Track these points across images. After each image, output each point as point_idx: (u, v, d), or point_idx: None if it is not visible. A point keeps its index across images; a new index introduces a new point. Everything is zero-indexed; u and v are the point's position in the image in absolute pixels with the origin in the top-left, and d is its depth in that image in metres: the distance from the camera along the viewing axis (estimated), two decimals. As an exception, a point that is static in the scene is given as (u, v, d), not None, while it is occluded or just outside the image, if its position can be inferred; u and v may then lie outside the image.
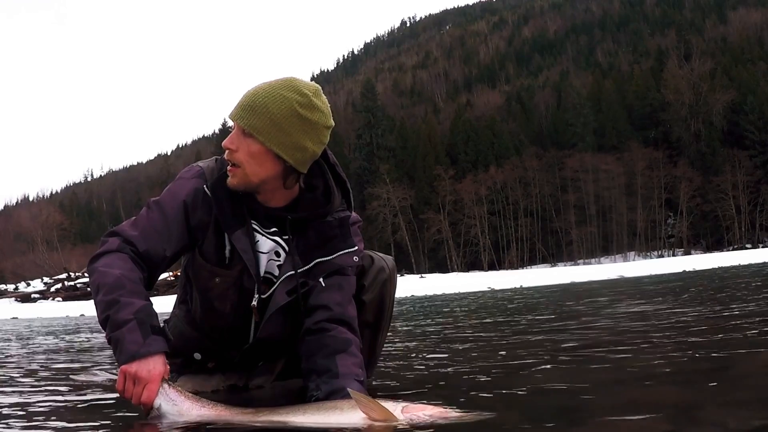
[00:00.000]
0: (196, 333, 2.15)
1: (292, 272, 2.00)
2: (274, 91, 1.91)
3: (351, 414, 1.62)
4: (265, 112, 1.89)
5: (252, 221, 2.01)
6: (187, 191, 2.00)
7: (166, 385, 1.78)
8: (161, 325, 1.83)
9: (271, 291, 2.02)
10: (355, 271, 2.12)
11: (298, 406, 1.73)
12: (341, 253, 2.05)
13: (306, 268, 2.02)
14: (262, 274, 2.02)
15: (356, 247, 2.09)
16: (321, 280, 2.02)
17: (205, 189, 1.99)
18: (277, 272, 2.03)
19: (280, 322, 2.04)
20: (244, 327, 2.08)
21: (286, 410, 1.71)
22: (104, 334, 1.82)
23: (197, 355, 2.19)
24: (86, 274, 2.01)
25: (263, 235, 2.02)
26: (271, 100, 1.90)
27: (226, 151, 1.95)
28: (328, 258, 2.03)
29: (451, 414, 1.62)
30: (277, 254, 2.03)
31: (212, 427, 1.66)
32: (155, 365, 1.75)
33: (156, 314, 1.83)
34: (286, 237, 2.02)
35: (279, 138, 1.90)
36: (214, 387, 2.23)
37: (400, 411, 1.62)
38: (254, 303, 2.02)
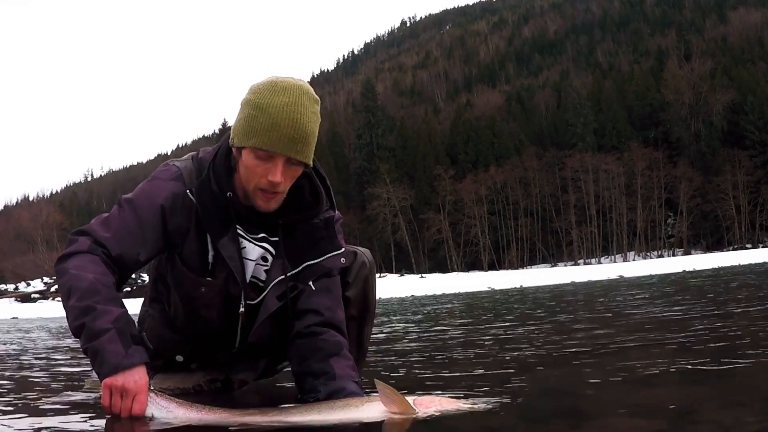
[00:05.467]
0: (176, 336, 2.08)
1: (283, 277, 1.98)
2: (307, 110, 1.85)
3: (368, 409, 1.65)
4: (313, 137, 1.88)
5: (238, 227, 1.96)
6: (165, 195, 1.92)
7: (152, 394, 1.74)
8: (141, 333, 1.79)
9: (261, 297, 1.99)
10: (340, 270, 2.10)
11: (309, 405, 1.74)
12: (330, 255, 2.02)
13: (295, 271, 2.00)
14: (248, 279, 1.99)
15: (343, 249, 2.07)
16: (311, 283, 2.00)
17: (189, 194, 1.92)
18: (263, 276, 2.00)
19: (269, 327, 2.02)
20: (230, 332, 2.05)
21: (296, 409, 1.72)
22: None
23: (179, 357, 2.13)
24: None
25: (250, 241, 1.98)
26: (314, 123, 1.87)
27: (267, 182, 1.85)
28: (317, 261, 2.01)
29: (462, 405, 1.67)
30: (264, 259, 2.00)
31: (217, 430, 1.65)
32: (141, 375, 1.70)
33: (133, 322, 1.77)
34: (274, 239, 1.99)
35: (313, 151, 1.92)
36: (195, 383, 2.17)
37: (412, 404, 1.65)
38: (242, 309, 1.99)
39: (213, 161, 1.96)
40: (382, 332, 5.62)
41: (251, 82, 1.94)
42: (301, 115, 1.82)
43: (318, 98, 1.90)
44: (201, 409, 1.74)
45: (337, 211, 2.10)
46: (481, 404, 1.69)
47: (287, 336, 2.02)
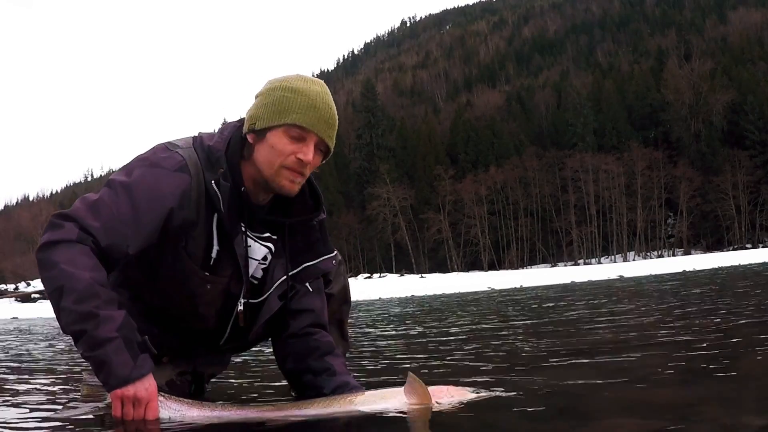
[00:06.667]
0: (154, 328, 1.98)
1: (285, 277, 2.00)
2: (330, 96, 1.92)
3: (387, 401, 1.75)
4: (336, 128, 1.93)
5: (243, 224, 1.93)
6: (173, 193, 1.79)
7: (162, 398, 1.73)
8: (143, 337, 1.71)
9: (265, 296, 1.99)
10: None
11: (329, 399, 1.80)
12: (325, 258, 2.06)
13: (296, 271, 2.02)
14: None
15: (335, 252, 2.11)
16: (307, 284, 2.04)
17: (213, 185, 1.83)
18: (259, 274, 2.00)
19: (265, 324, 2.04)
20: (221, 328, 2.04)
21: (318, 403, 1.77)
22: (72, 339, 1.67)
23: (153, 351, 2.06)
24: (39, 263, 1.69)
25: (256, 240, 1.97)
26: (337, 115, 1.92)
27: (295, 160, 1.85)
28: (314, 263, 2.04)
29: (469, 394, 1.83)
30: (264, 258, 2.00)
31: (230, 427, 1.67)
32: (150, 382, 1.68)
33: (135, 325, 1.70)
34: (274, 238, 2.00)
35: None
36: (167, 378, 2.09)
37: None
38: (240, 308, 1.97)
39: (227, 152, 1.89)
40: (387, 331, 5.62)
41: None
42: (333, 103, 1.91)
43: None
44: (215, 408, 1.76)
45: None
46: (485, 395, 1.83)
47: (278, 334, 2.05)
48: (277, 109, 1.84)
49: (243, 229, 1.92)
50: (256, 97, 1.92)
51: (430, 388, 1.77)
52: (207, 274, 1.90)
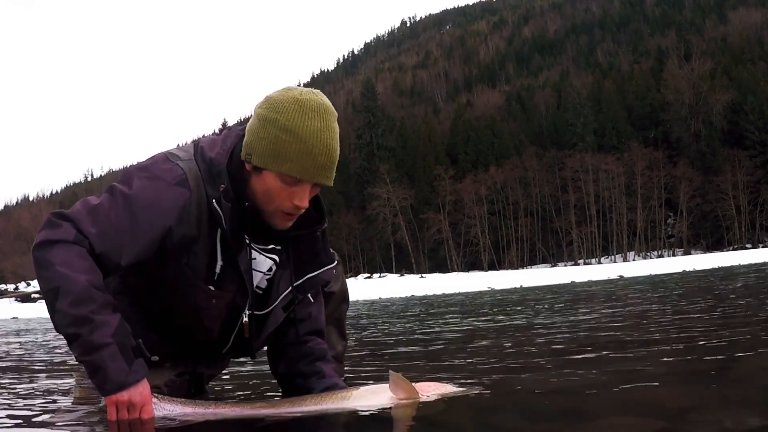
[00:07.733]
0: (156, 336, 1.97)
1: (290, 289, 2.00)
2: (336, 134, 1.81)
3: (378, 397, 1.80)
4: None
5: (247, 237, 1.90)
6: (173, 209, 1.76)
7: (156, 400, 1.74)
8: (137, 341, 1.71)
9: (271, 308, 1.99)
10: None
11: (321, 396, 1.83)
12: (327, 268, 2.07)
13: (299, 282, 2.02)
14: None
15: (336, 261, 2.12)
16: (309, 294, 2.06)
17: (214, 204, 1.80)
18: (264, 285, 2.00)
19: (270, 335, 2.06)
20: (225, 339, 2.04)
21: (310, 400, 1.80)
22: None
23: (154, 358, 1.96)
24: (36, 262, 1.69)
25: (260, 253, 1.95)
26: (338, 145, 1.83)
27: (292, 206, 1.80)
28: (317, 273, 2.04)
29: (455, 389, 1.89)
30: (269, 270, 2.00)
31: (225, 424, 1.69)
32: (144, 386, 1.70)
33: (129, 329, 1.70)
34: (278, 248, 1.99)
35: None
36: (166, 379, 2.07)
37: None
38: (245, 320, 1.97)
39: (230, 164, 1.83)
40: (387, 330, 5.63)
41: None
42: (333, 140, 1.78)
43: (335, 112, 1.84)
44: (209, 405, 1.78)
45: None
46: (472, 390, 1.87)
47: (276, 341, 2.09)
48: (271, 151, 1.75)
49: (247, 242, 1.89)
50: (256, 115, 1.82)
51: (417, 385, 1.81)
52: (212, 288, 1.88)
